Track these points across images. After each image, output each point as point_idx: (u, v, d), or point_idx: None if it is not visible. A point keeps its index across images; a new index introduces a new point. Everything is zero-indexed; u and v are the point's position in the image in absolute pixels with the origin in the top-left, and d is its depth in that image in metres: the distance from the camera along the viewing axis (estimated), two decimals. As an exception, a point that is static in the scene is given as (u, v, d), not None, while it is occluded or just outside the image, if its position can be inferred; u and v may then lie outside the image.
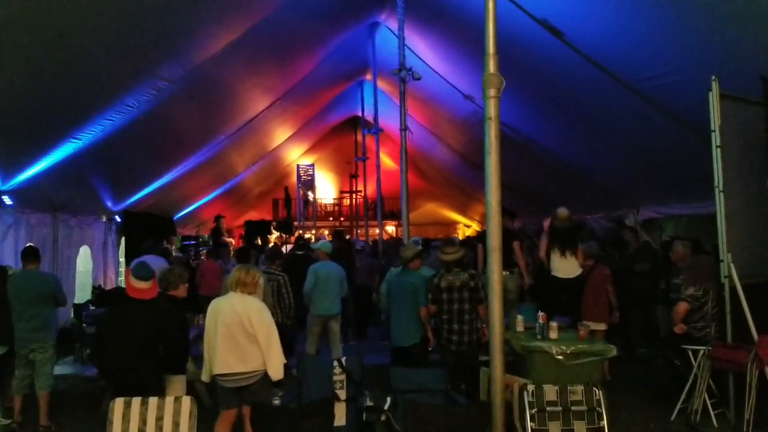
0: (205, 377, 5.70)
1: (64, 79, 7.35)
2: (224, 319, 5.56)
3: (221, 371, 5.53)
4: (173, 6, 7.49)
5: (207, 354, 5.64)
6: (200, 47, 9.04)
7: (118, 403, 4.45)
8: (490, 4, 4.93)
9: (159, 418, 4.41)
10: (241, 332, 5.54)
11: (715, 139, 6.37)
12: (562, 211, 9.11)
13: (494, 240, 4.99)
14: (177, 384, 5.94)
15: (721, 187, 6.38)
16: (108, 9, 6.57)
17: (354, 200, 27.01)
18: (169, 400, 4.52)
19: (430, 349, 7.40)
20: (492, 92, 4.91)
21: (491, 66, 4.93)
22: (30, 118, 7.67)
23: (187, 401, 4.51)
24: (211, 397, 6.99)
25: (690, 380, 6.73)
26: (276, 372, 5.57)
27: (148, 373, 5.43)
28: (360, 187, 21.77)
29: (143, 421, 4.39)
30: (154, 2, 7.12)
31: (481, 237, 10.43)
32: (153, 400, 4.46)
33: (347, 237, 18.37)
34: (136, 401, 4.44)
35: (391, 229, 27.78)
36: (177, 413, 4.44)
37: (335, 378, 5.81)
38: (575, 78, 8.97)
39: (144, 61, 8.18)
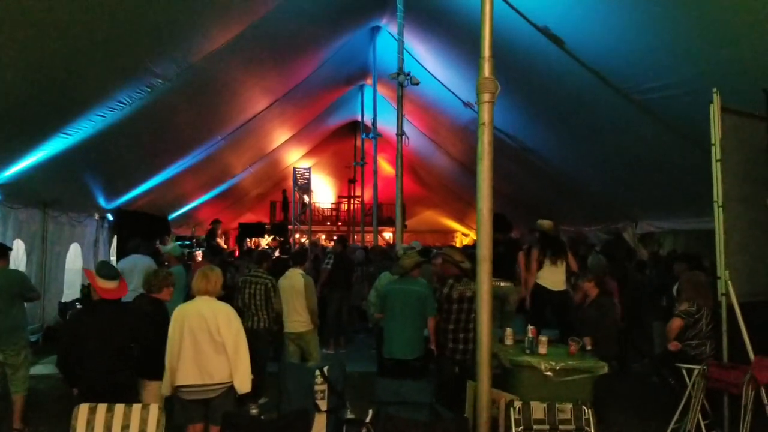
0: (165, 390, 5.27)
1: (53, 73, 7.21)
2: (190, 325, 5.22)
3: (185, 382, 5.18)
4: (169, 1, 7.35)
5: (169, 364, 5.22)
6: (196, 45, 8.92)
7: (83, 408, 4.23)
8: (487, 7, 4.83)
9: (125, 427, 4.19)
10: (208, 340, 5.20)
11: (716, 152, 6.21)
12: (547, 222, 9.03)
13: (484, 250, 4.85)
14: (154, 389, 5.68)
15: (720, 202, 6.20)
16: (100, 3, 6.43)
17: (352, 205, 26.85)
18: (137, 407, 4.31)
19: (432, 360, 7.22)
20: (486, 96, 4.80)
21: (486, 70, 4.82)
22: (18, 112, 7.54)
23: (155, 409, 4.30)
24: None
25: (684, 399, 6.56)
26: (243, 384, 5.23)
27: (125, 377, 5.20)
28: (358, 192, 21.61)
29: (108, 428, 4.18)
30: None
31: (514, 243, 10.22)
32: (119, 407, 4.26)
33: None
34: (102, 407, 4.24)
35: (388, 235, 27.64)
36: (144, 422, 4.23)
37: (317, 388, 5.63)
38: (575, 87, 8.86)
39: (136, 57, 8.06)
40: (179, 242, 18.17)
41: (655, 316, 9.42)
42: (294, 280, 8.27)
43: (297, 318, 8.19)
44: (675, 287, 8.50)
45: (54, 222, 11.30)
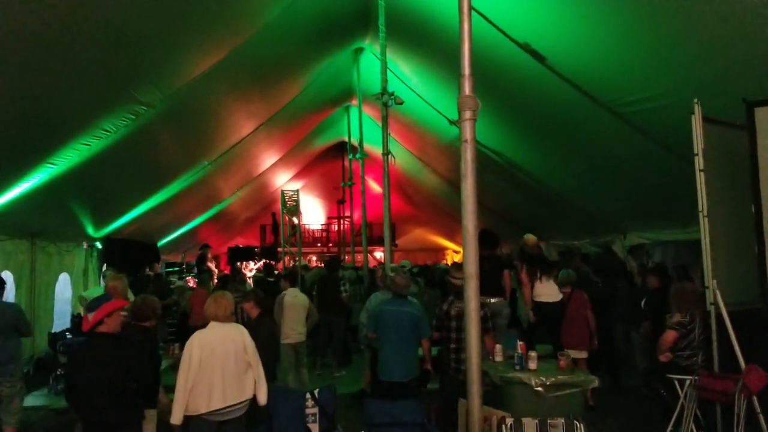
0: (178, 419, 5.22)
1: (36, 103, 7.16)
2: (223, 349, 5.38)
3: (219, 406, 5.28)
4: (150, 29, 7.35)
5: (185, 392, 5.21)
6: (179, 71, 8.91)
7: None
8: (465, 25, 4.83)
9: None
10: (241, 361, 5.47)
11: (698, 163, 6.25)
12: (531, 238, 9.10)
13: (471, 267, 4.83)
14: (147, 418, 5.67)
15: (705, 212, 6.24)
16: (83, 32, 6.43)
17: (341, 226, 26.81)
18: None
19: (429, 380, 7.20)
20: (468, 114, 4.79)
21: (467, 88, 4.82)
22: (2, 143, 7.49)
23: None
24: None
25: (676, 411, 6.54)
26: (265, 396, 5.57)
27: (117, 412, 5.03)
28: (348, 213, 21.56)
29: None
30: (130, 25, 6.98)
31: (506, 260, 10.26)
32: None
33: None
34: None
35: (379, 254, 27.59)
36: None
37: (308, 411, 5.59)
38: (558, 102, 8.90)
39: (119, 84, 8.01)
40: (169, 268, 18.16)
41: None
42: (299, 297, 9.54)
43: (300, 330, 9.31)
44: (643, 301, 8.61)
45: (42, 252, 11.23)
